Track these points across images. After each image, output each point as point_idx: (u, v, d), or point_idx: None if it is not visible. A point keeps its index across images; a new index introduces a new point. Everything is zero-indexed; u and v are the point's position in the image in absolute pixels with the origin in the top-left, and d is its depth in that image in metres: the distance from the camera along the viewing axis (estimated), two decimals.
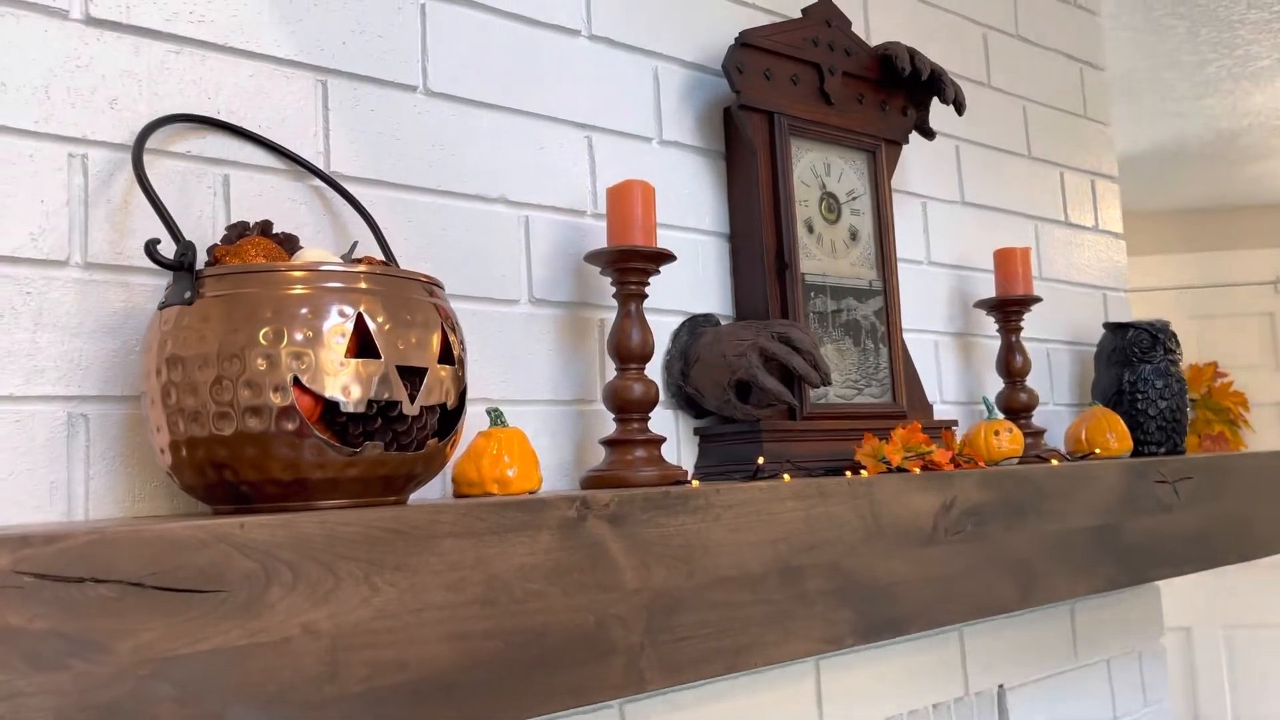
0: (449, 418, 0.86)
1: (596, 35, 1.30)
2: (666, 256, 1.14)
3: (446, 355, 0.84)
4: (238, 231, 0.88)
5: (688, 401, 1.30)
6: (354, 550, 0.73)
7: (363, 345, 0.78)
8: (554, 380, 1.19)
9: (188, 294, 0.78)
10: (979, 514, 1.21)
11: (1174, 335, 1.80)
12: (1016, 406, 1.60)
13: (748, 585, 0.97)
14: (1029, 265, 1.63)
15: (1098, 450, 1.63)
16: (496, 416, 1.02)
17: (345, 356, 0.76)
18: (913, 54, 1.46)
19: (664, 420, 1.29)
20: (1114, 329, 1.80)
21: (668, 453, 1.28)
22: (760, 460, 1.19)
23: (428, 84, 1.13)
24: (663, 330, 1.31)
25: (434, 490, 1.08)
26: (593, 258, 1.12)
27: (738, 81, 1.31)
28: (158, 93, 0.95)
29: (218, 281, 0.78)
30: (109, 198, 0.91)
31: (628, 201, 1.12)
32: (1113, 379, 1.80)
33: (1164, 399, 1.74)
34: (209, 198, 0.96)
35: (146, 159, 0.93)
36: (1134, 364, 1.76)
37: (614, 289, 1.14)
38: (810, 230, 1.38)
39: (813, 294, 1.36)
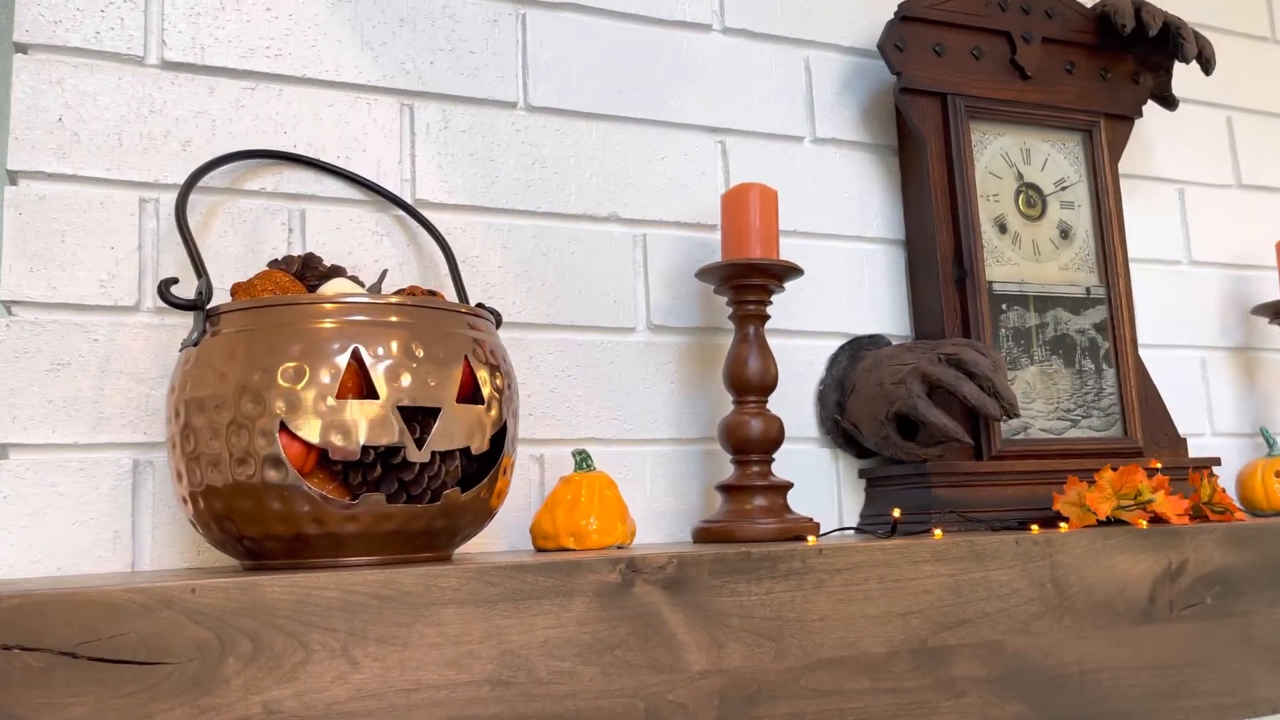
0: (484, 462, 0.75)
1: (731, 28, 1.16)
2: (791, 270, 0.97)
3: (473, 394, 0.74)
4: (281, 267, 0.83)
5: (846, 439, 1.11)
6: (329, 618, 0.64)
7: (364, 385, 0.69)
8: (676, 417, 1.06)
9: (195, 335, 0.73)
10: (1226, 582, 0.92)
11: None
12: None
13: (865, 669, 0.77)
14: None
15: None
16: (582, 460, 0.90)
17: (337, 398, 0.68)
18: (1140, 6, 1.19)
19: (819, 461, 1.11)
20: None
21: (823, 498, 1.10)
22: (928, 512, 0.99)
23: (528, 99, 1.05)
24: (820, 356, 1.13)
25: (505, 543, 0.97)
26: (705, 274, 0.98)
27: (897, 61, 1.12)
28: (232, 131, 0.93)
29: (226, 319, 0.73)
30: (179, 241, 0.90)
31: (742, 208, 0.97)
32: None
33: None
34: (283, 234, 0.93)
35: (219, 200, 0.91)
36: None
37: (729, 309, 0.98)
38: (1003, 230, 1.15)
39: (1004, 306, 1.12)
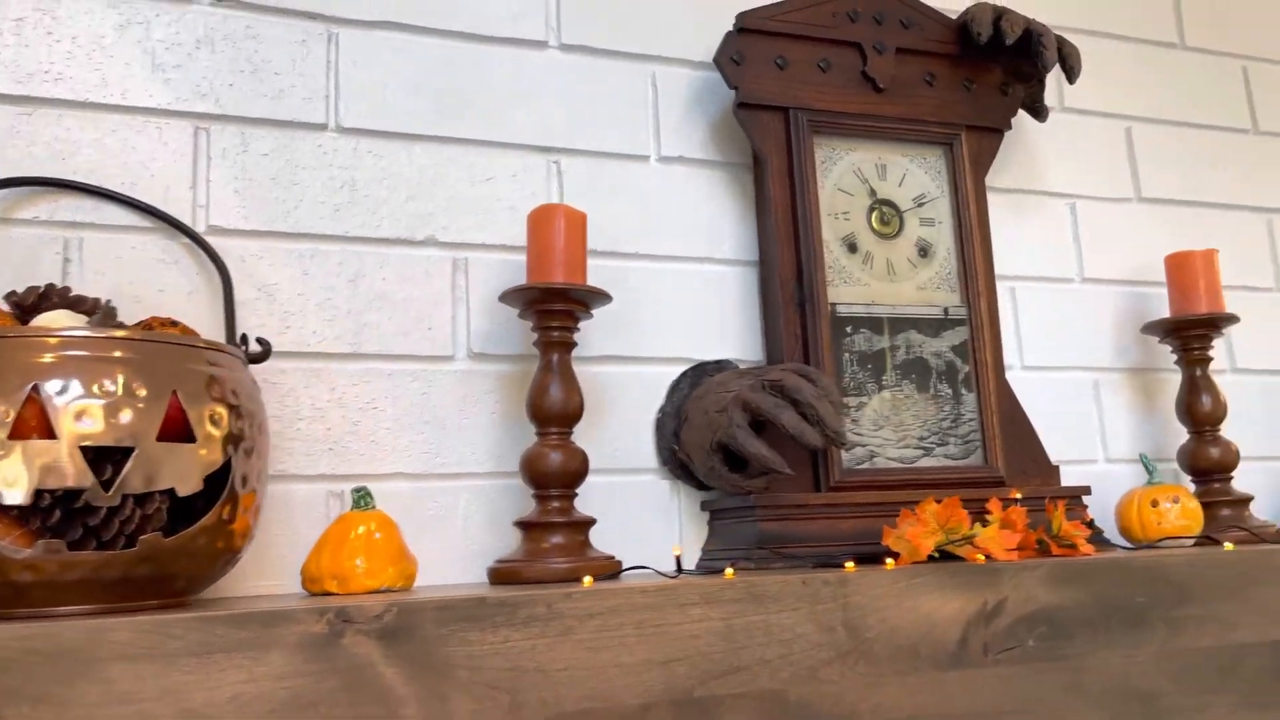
0: (209, 500, 0.71)
1: (569, 44, 1.12)
2: (598, 296, 0.92)
3: (183, 432, 0.69)
4: (16, 299, 0.80)
5: (684, 470, 1.05)
6: None
7: (44, 424, 0.65)
8: (497, 449, 1.01)
9: None
10: (1052, 622, 0.86)
11: None
12: (1203, 465, 1.17)
13: None
14: (1215, 273, 1.21)
15: None
16: (360, 498, 0.85)
17: (10, 437, 0.64)
18: (1001, 14, 1.13)
19: (659, 493, 1.06)
20: None
21: (663, 533, 1.05)
22: (761, 547, 0.93)
23: (338, 120, 1.01)
24: (665, 383, 1.08)
25: (294, 587, 0.93)
26: (509, 298, 0.93)
27: (734, 75, 1.07)
28: (5, 158, 0.90)
29: None
30: None
31: (547, 230, 0.93)
32: None
33: None
34: (57, 263, 0.90)
35: None
36: None
37: (534, 336, 0.94)
38: (853, 250, 1.09)
39: (850, 329, 1.07)
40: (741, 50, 1.07)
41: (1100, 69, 1.38)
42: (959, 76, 1.16)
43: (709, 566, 1.00)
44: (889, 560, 0.89)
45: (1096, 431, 1.27)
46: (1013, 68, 1.18)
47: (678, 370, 1.09)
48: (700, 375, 1.08)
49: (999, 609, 0.85)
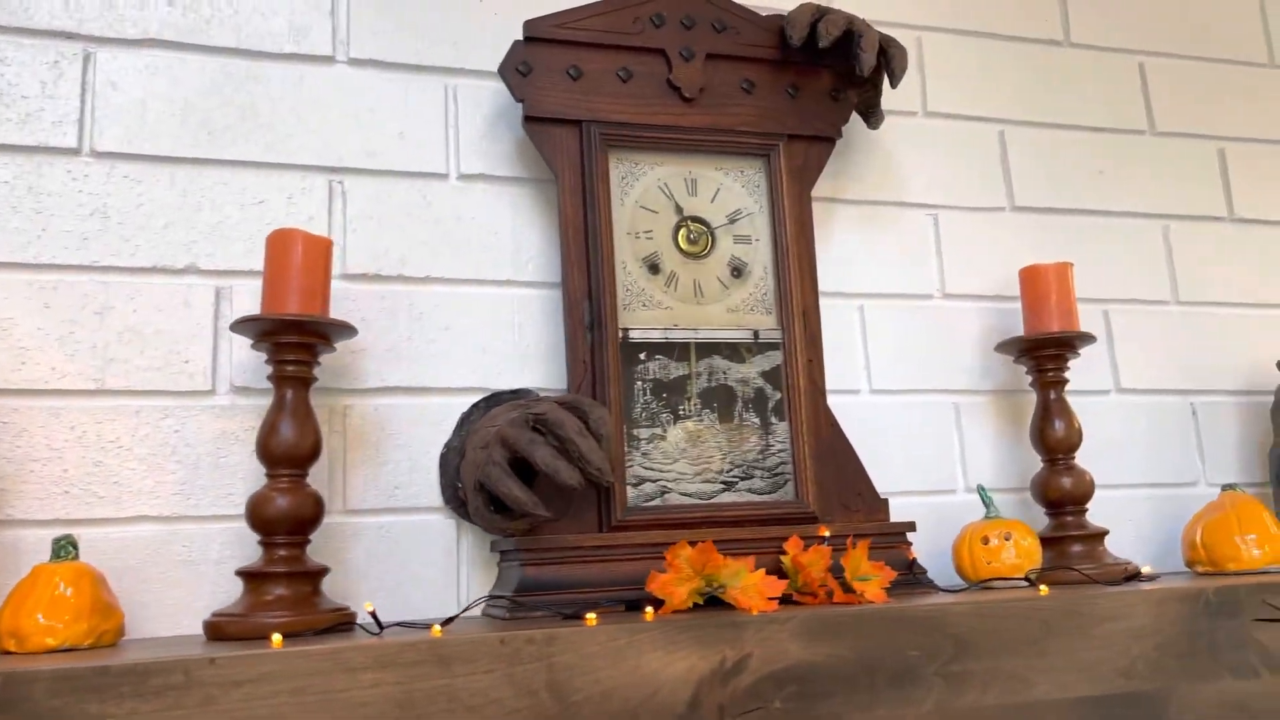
0: None
1: (358, 59, 1.06)
2: (341, 329, 0.87)
3: None
4: None
5: (464, 508, 0.99)
6: None
7: None
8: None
9: None
10: (804, 681, 0.78)
11: None
12: (1053, 496, 1.08)
13: None
14: (1068, 288, 1.11)
15: (1230, 564, 1.05)
16: (61, 548, 0.80)
17: None
18: (821, 15, 1.06)
19: (441, 532, 1.00)
20: None
21: (444, 576, 0.99)
22: (532, 594, 0.86)
23: (92, 145, 0.96)
24: (455, 415, 1.02)
25: None
26: (240, 327, 0.87)
27: (520, 87, 1.00)
28: None
29: None
30: None
31: (283, 257, 0.87)
32: None
33: None
34: None
35: None
36: None
37: (269, 369, 0.88)
38: (655, 271, 1.02)
39: (643, 356, 1.00)
40: (529, 60, 1.01)
41: (971, 69, 1.29)
42: (782, 82, 1.09)
43: (493, 615, 0.93)
44: (649, 610, 0.82)
45: (957, 459, 1.18)
46: (845, 71, 1.10)
47: (471, 401, 1.03)
48: (492, 406, 1.02)
49: (740, 666, 0.77)
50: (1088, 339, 1.11)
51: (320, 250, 0.88)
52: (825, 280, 1.17)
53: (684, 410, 0.99)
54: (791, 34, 1.04)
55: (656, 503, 0.96)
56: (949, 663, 0.81)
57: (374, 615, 0.76)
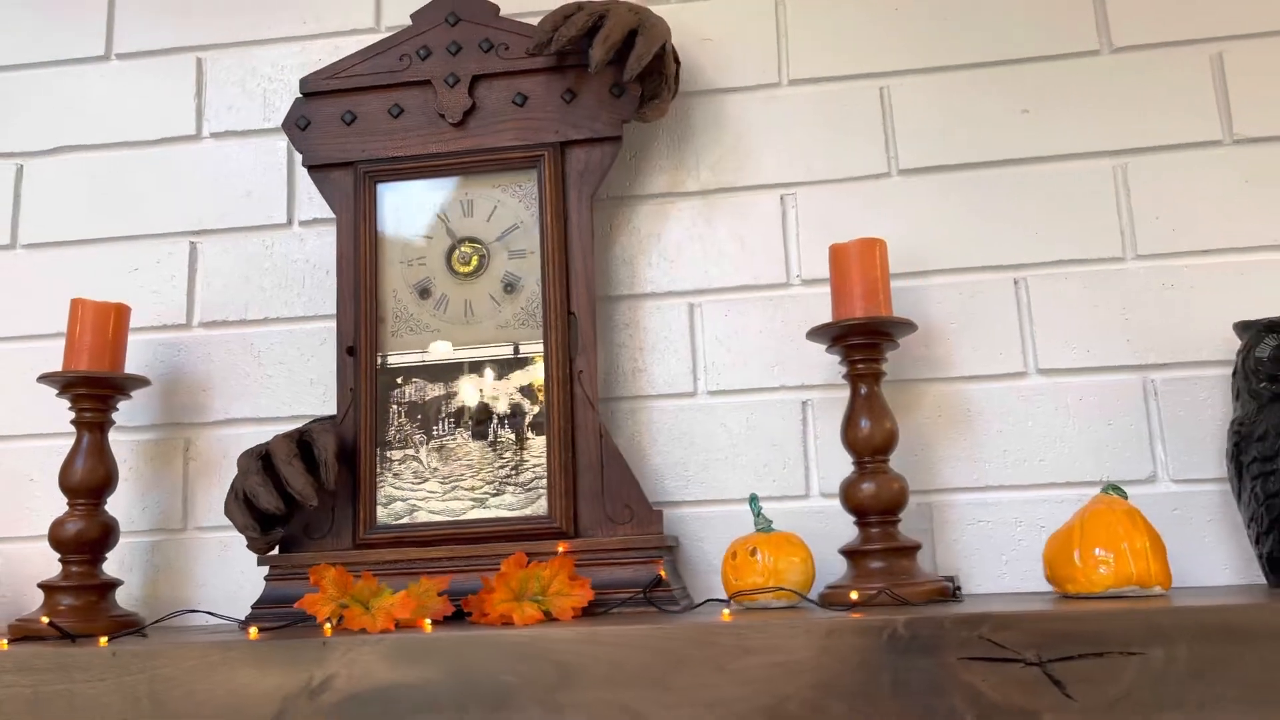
0: None
1: (217, 132, 1.21)
2: (134, 381, 1.04)
3: None
4: None
5: None
6: None
7: None
8: None
9: None
10: (387, 702, 0.79)
11: None
12: (856, 504, 0.94)
13: None
14: (875, 268, 0.96)
15: (1069, 586, 0.86)
16: None
17: None
18: (570, 14, 1.02)
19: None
20: (1258, 333, 0.93)
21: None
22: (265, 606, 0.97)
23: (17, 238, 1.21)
24: None
25: None
26: (45, 379, 1.05)
27: (299, 141, 1.09)
28: None
29: None
30: None
31: (81, 322, 1.04)
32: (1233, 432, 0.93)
33: None
34: None
35: None
36: (1267, 399, 0.88)
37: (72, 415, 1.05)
38: (425, 295, 1.06)
39: (400, 379, 1.03)
40: (306, 114, 1.10)
41: (843, 23, 1.14)
42: (558, 89, 1.06)
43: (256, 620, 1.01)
44: (252, 629, 0.87)
45: (799, 463, 1.07)
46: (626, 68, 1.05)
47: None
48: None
49: (326, 685, 0.80)
50: (905, 326, 0.96)
51: (113, 314, 1.05)
52: (656, 280, 1.12)
53: (437, 430, 1.03)
54: (535, 40, 1.02)
55: (404, 521, 1.01)
56: (552, 691, 0.78)
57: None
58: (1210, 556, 1.00)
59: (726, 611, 0.84)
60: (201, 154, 1.22)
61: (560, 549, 0.95)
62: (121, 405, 1.15)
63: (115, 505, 1.13)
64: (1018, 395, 1.06)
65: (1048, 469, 1.04)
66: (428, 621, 0.87)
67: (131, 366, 1.16)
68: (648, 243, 1.14)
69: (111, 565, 1.10)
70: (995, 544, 1.03)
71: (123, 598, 1.11)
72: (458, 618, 0.90)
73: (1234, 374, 0.93)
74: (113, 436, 1.14)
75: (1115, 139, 1.08)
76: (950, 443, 1.06)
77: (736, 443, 1.09)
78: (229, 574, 1.12)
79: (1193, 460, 1.02)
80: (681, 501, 1.09)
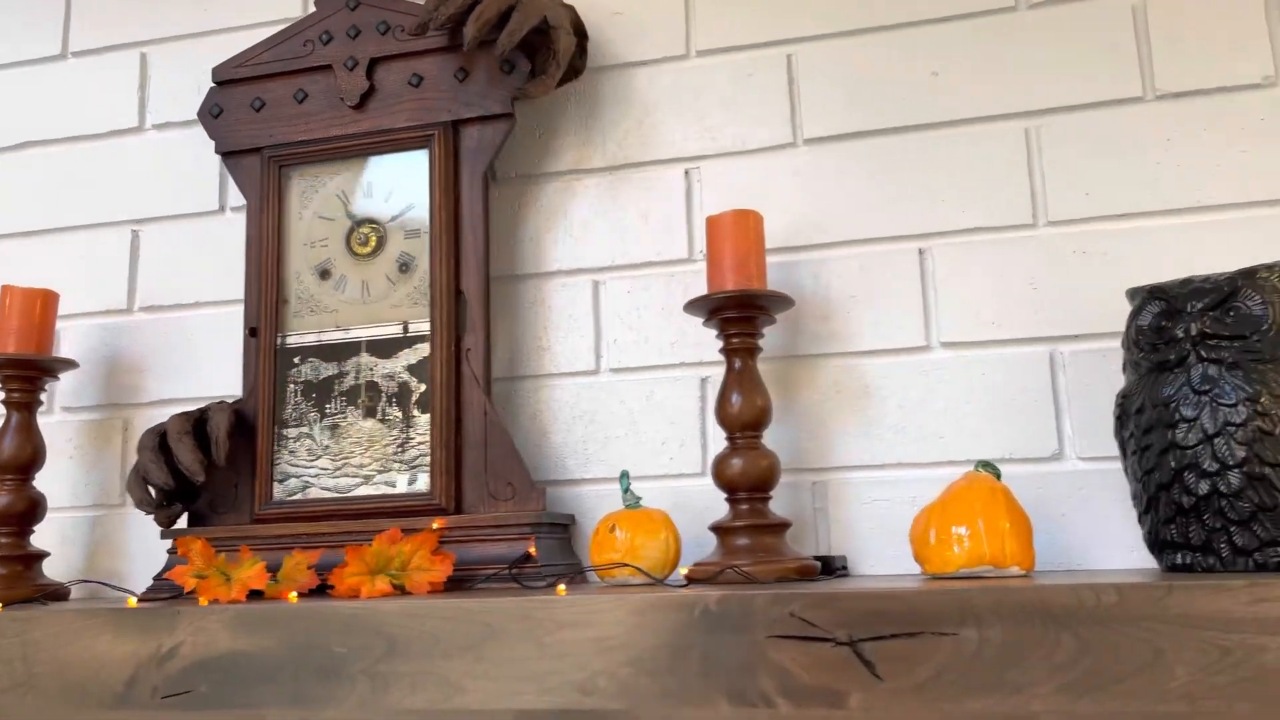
0: None
1: (158, 123, 1.26)
2: (63, 363, 1.08)
3: None
4: None
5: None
6: None
7: None
8: None
9: None
10: (229, 670, 0.81)
11: (1272, 292, 0.79)
12: (726, 480, 0.92)
13: None
14: (750, 240, 0.94)
15: (926, 566, 0.82)
16: None
17: None
18: None
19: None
20: (1143, 300, 0.87)
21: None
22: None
23: None
24: None
25: None
26: None
27: (212, 128, 1.13)
28: None
29: None
30: None
31: (8, 308, 1.10)
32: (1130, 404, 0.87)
33: (1228, 444, 0.78)
34: None
35: None
36: (1165, 368, 0.83)
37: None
38: (325, 276, 1.08)
39: (297, 359, 1.06)
40: (219, 102, 1.13)
41: None
42: (451, 69, 1.07)
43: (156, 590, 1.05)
44: (131, 598, 0.91)
45: (696, 440, 1.05)
46: (522, 40, 1.05)
47: None
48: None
49: (174, 652, 0.83)
50: (781, 301, 0.93)
51: (40, 300, 1.10)
52: (561, 258, 1.12)
53: (330, 409, 1.05)
54: (420, 22, 1.03)
55: (298, 497, 1.03)
56: (377, 662, 0.79)
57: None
58: (1116, 537, 0.95)
59: (561, 587, 0.84)
60: (144, 145, 1.27)
61: (435, 525, 0.96)
62: (68, 387, 1.22)
63: (60, 481, 1.19)
64: (919, 370, 1.02)
65: (948, 447, 1.00)
66: (293, 594, 0.90)
67: (75, 350, 1.22)
68: (555, 220, 1.14)
69: (52, 538, 1.17)
70: (890, 524, 1.00)
71: (64, 569, 1.17)
72: (323, 590, 0.92)
73: (1122, 344, 0.88)
74: (60, 416, 1.21)
75: (1028, 99, 1.03)
76: (848, 419, 1.03)
77: (636, 420, 1.08)
78: (160, 547, 1.17)
79: (1100, 437, 0.96)
80: (582, 479, 1.08)
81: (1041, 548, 0.95)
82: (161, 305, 1.22)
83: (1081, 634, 0.68)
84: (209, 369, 1.19)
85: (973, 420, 1.00)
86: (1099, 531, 0.95)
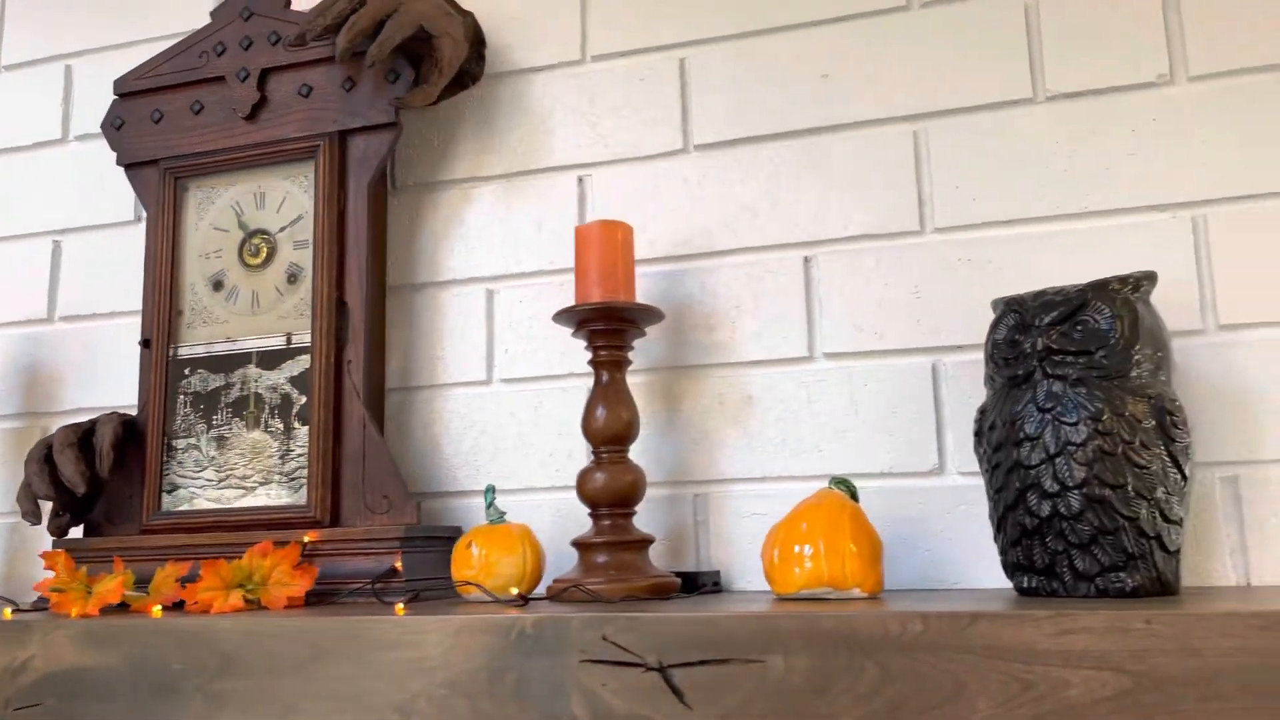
0: None
1: (81, 135, 1.28)
2: None
3: None
4: None
5: None
6: None
7: None
8: None
9: None
10: (75, 684, 0.82)
11: (1122, 306, 0.76)
12: (589, 495, 0.91)
13: None
14: (616, 251, 0.92)
15: (775, 586, 0.80)
16: None
17: None
18: (328, 5, 1.01)
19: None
20: (1001, 312, 0.84)
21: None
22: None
23: None
24: None
25: None
26: None
27: (114, 141, 1.13)
28: None
29: None
30: None
31: None
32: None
33: (1069, 464, 0.74)
34: None
35: None
36: (1016, 384, 0.80)
37: None
38: (218, 288, 1.08)
39: (188, 371, 1.06)
40: (121, 114, 1.14)
41: None
42: (339, 79, 1.07)
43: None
44: (8, 609, 0.92)
45: (583, 452, 1.04)
46: (403, 46, 1.04)
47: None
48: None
49: (26, 666, 0.84)
50: (650, 314, 0.92)
51: None
52: (456, 267, 1.11)
53: (217, 420, 1.05)
54: (299, 34, 1.02)
55: (184, 508, 1.04)
56: (212, 680, 0.80)
57: None
58: (994, 556, 0.91)
59: (401, 606, 0.83)
60: (67, 156, 1.29)
61: (305, 539, 0.96)
62: None
63: None
64: (800, 381, 0.99)
65: (827, 460, 0.97)
66: (157, 608, 0.91)
67: (1, 359, 1.25)
68: (451, 228, 1.13)
69: None
70: None
71: None
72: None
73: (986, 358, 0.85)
74: None
75: (918, 102, 1.00)
76: (730, 431, 1.01)
77: (525, 431, 1.07)
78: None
79: None
80: (472, 491, 1.08)
81: (919, 566, 0.94)
82: (80, 315, 1.24)
83: (886, 663, 0.66)
84: (124, 378, 1.20)
85: (854, 433, 0.97)
86: (976, 550, 0.92)
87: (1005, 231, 0.96)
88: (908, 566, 0.94)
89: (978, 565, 0.92)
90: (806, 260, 1.01)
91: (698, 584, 0.93)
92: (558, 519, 1.03)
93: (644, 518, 1.01)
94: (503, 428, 1.08)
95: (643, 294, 1.05)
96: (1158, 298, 0.83)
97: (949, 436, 0.95)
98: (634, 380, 1.04)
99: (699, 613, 0.72)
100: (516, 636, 0.74)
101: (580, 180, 1.09)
